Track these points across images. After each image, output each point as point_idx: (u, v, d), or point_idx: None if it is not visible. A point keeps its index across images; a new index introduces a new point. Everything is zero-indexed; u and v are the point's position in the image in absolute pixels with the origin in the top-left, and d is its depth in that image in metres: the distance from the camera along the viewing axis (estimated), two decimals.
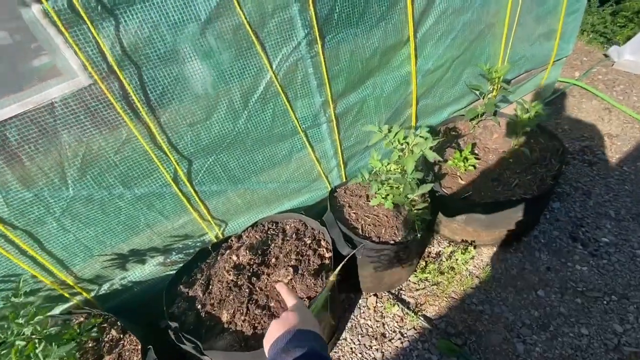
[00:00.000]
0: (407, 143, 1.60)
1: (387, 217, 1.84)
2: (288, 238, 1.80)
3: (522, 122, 1.98)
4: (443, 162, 2.17)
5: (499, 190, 1.96)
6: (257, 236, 1.82)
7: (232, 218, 1.89)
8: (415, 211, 1.69)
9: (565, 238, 2.25)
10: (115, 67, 1.20)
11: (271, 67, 1.54)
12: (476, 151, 2.24)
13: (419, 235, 1.70)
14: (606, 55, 4.27)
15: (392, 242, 1.71)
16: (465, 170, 2.05)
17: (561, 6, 2.56)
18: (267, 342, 0.68)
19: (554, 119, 3.31)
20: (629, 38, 4.27)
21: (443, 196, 1.99)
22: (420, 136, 1.59)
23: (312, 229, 1.86)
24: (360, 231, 1.78)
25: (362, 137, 2.06)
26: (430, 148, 1.55)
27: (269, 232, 1.85)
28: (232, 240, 1.83)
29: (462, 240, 2.25)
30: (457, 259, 2.15)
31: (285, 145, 1.80)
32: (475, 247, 2.24)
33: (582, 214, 2.41)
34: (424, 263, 2.19)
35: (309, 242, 1.77)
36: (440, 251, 2.25)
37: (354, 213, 1.90)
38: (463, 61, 2.25)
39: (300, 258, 1.66)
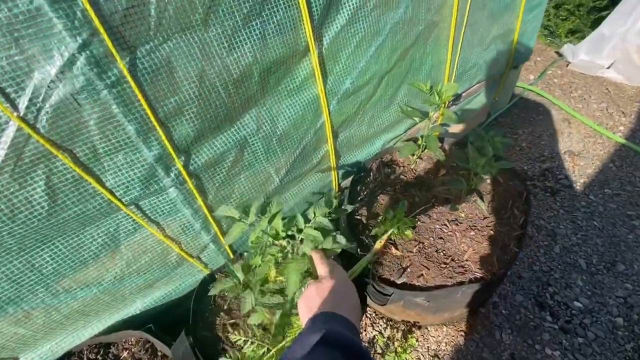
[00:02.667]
0: (290, 238, 0.93)
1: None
2: None
3: (475, 169, 1.39)
4: (372, 218, 1.55)
5: (447, 267, 1.38)
6: None
7: (21, 352, 1.13)
8: None
9: (531, 305, 1.75)
10: None
11: (16, 111, 0.80)
12: (416, 198, 1.64)
13: None
14: (559, 54, 3.93)
15: None
16: (401, 236, 1.44)
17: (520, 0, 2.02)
18: (305, 307, 0.70)
19: (510, 135, 2.84)
20: (570, 31, 4.00)
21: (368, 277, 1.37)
22: (315, 228, 0.92)
23: (163, 356, 1.16)
24: None
25: (251, 190, 1.38)
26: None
27: None
28: None
29: (403, 321, 1.66)
30: (396, 352, 1.56)
31: (98, 231, 1.07)
32: (419, 328, 1.67)
33: (548, 266, 1.92)
34: None
35: None
36: (374, 337, 1.65)
37: (232, 324, 1.21)
38: (397, 76, 1.63)
39: None
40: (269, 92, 1.23)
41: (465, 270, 1.37)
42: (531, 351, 1.59)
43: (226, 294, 1.30)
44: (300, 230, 0.93)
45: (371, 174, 1.77)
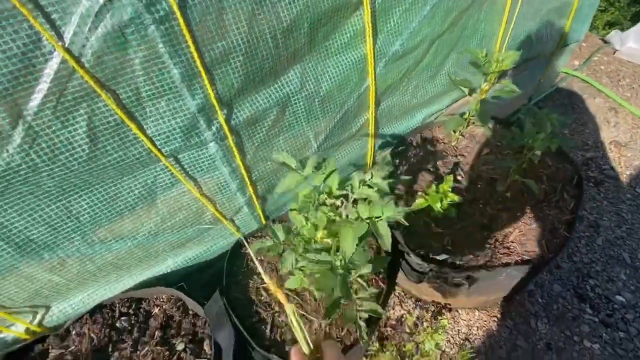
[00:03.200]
0: (345, 197, 0.87)
1: (315, 300, 1.13)
2: (146, 338, 1.07)
3: (531, 145, 1.29)
4: (411, 195, 1.47)
5: (492, 248, 1.30)
6: (94, 332, 1.07)
7: (54, 301, 1.12)
8: (357, 304, 0.99)
9: (570, 296, 1.66)
10: None
11: (61, 40, 0.74)
12: (459, 177, 1.55)
13: (362, 342, 1.01)
14: (605, 41, 3.68)
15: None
16: (444, 211, 1.36)
17: None
18: None
19: None
20: (608, 23, 3.72)
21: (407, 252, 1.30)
22: (369, 185, 0.85)
23: (194, 315, 1.14)
24: (268, 329, 1.07)
25: (289, 154, 1.31)
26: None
27: (118, 324, 1.10)
28: (50, 342, 1.07)
29: (433, 302, 1.60)
30: (424, 331, 1.50)
31: (135, 182, 1.02)
32: (450, 311, 1.61)
33: (589, 258, 1.82)
34: (380, 336, 1.53)
35: (181, 347, 1.04)
36: (402, 316, 1.60)
37: (266, 288, 1.18)
38: (447, 42, 1.51)
39: None
40: (316, 47, 1.14)
41: (511, 252, 1.28)
42: (569, 342, 1.51)
43: (260, 258, 1.26)
44: (354, 191, 0.87)
45: (410, 149, 1.67)
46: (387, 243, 0.79)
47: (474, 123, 1.67)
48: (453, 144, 1.70)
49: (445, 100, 1.78)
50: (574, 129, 2.59)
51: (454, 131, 1.69)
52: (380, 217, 0.82)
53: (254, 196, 1.28)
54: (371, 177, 0.86)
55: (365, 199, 0.87)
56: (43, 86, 0.78)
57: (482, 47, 1.69)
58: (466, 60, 1.66)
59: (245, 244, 1.29)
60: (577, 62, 3.35)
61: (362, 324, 0.99)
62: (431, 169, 1.57)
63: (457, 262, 1.26)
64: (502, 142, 1.69)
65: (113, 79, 0.84)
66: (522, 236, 1.33)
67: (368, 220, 0.83)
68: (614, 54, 3.47)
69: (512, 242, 1.31)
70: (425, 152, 1.66)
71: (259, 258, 1.25)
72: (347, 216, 0.85)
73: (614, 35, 3.58)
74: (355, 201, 0.90)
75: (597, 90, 2.95)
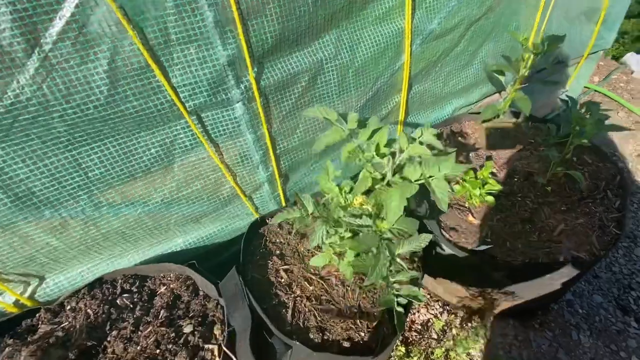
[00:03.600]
0: (391, 156, 0.77)
1: (343, 285, 1.00)
2: (150, 318, 0.93)
3: (579, 130, 1.19)
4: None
5: (536, 241, 1.17)
6: (91, 309, 0.94)
7: (49, 271, 1.00)
8: (395, 288, 0.87)
9: (612, 308, 1.51)
10: None
11: None
12: (493, 169, 1.45)
13: (398, 331, 0.88)
14: (621, 63, 3.68)
15: (345, 344, 0.88)
16: (481, 201, 1.25)
17: None
18: None
19: None
20: (613, 57, 3.76)
21: (441, 243, 1.18)
22: (421, 142, 0.76)
23: (205, 296, 1.00)
24: (290, 314, 0.93)
25: (315, 129, 1.22)
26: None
27: (119, 301, 0.97)
28: (40, 316, 0.94)
29: (463, 306, 1.45)
30: (454, 339, 1.35)
31: (153, 140, 0.93)
32: (482, 318, 1.46)
33: (629, 269, 1.67)
34: (404, 340, 1.38)
35: (188, 329, 0.91)
36: (429, 320, 1.44)
37: (287, 270, 1.05)
38: (483, 29, 1.45)
39: None
40: (354, 13, 1.08)
41: (558, 247, 1.16)
42: (615, 358, 1.34)
43: (278, 241, 1.14)
44: (402, 151, 0.77)
45: (439, 140, 1.58)
46: (443, 204, 0.69)
47: (505, 113, 1.59)
48: (484, 139, 1.61)
49: (475, 94, 1.71)
50: (599, 142, 2.50)
51: (484, 123, 1.61)
52: (433, 176, 0.72)
53: (276, 172, 1.18)
54: (421, 135, 0.77)
55: (411, 160, 0.77)
56: (66, 12, 0.70)
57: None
58: (499, 52, 1.60)
59: (266, 221, 1.17)
60: (597, 78, 3.32)
61: (400, 309, 0.86)
62: (463, 160, 1.47)
63: (497, 256, 1.13)
64: (535, 139, 1.60)
65: (142, 13, 0.77)
66: (569, 231, 1.20)
67: (418, 182, 0.72)
68: (632, 74, 3.45)
69: (558, 237, 1.19)
70: (455, 145, 1.57)
71: (276, 240, 1.13)
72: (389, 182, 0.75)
73: (629, 57, 3.60)
74: (399, 167, 0.80)
75: (619, 105, 2.90)
